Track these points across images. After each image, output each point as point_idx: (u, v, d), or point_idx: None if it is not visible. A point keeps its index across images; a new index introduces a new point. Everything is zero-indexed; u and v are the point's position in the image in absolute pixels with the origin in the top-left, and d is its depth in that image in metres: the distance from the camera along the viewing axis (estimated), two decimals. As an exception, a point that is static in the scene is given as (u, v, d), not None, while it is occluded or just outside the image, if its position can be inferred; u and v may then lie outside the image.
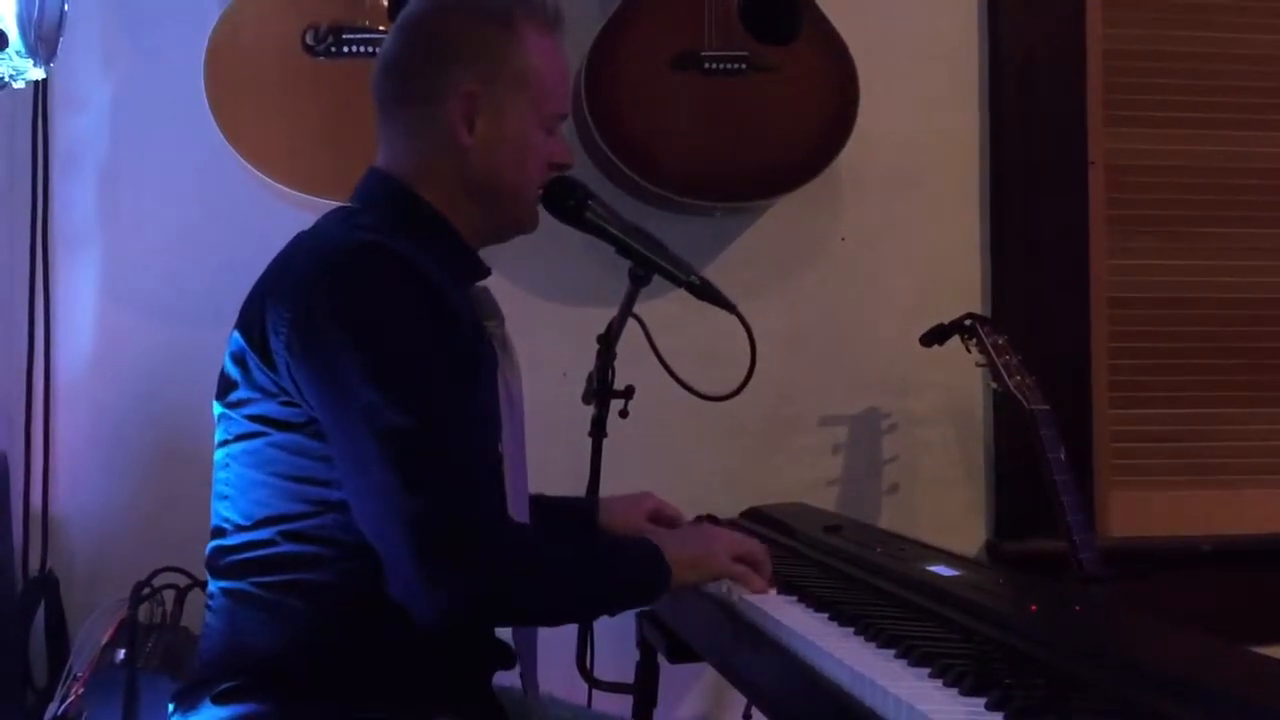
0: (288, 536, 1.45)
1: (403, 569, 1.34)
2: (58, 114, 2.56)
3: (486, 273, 1.64)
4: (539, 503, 1.71)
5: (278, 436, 1.45)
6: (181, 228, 2.58)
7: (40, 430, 2.54)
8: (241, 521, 1.48)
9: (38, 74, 2.15)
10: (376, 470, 1.35)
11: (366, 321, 1.41)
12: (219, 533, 1.52)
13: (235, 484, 1.49)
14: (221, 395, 1.51)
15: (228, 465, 1.51)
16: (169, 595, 2.34)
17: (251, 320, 1.46)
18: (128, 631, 2.23)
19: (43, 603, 2.47)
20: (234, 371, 1.49)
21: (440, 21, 1.57)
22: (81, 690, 2.22)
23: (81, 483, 2.56)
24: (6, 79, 2.10)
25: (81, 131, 2.58)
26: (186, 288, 2.56)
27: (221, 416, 1.52)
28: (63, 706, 2.24)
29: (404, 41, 1.58)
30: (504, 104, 1.54)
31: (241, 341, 1.47)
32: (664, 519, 1.87)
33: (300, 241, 1.54)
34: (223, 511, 1.51)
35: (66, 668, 2.31)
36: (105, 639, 2.26)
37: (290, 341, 1.41)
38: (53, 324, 2.55)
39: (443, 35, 1.56)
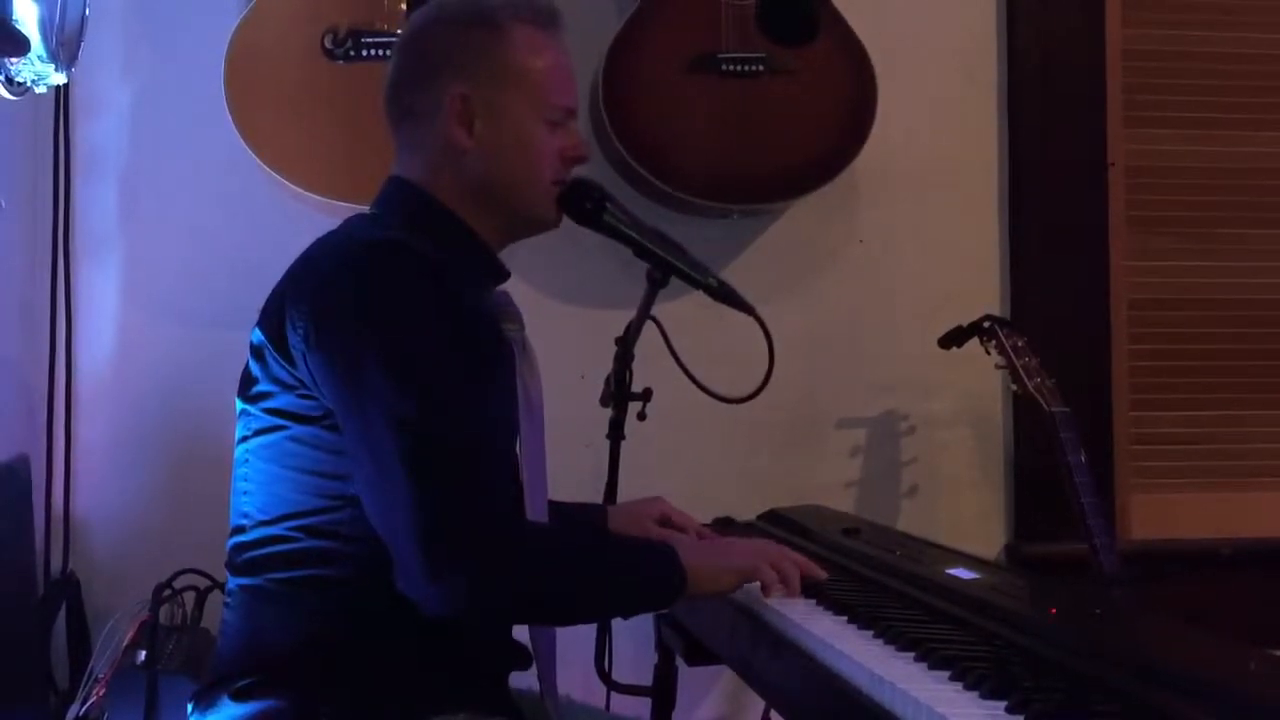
0: (305, 532, 1.46)
1: (409, 561, 1.35)
2: (79, 118, 2.58)
3: (506, 275, 1.65)
4: (550, 508, 1.71)
5: (295, 430, 1.47)
6: (201, 231, 2.60)
7: (62, 432, 2.55)
8: (260, 517, 1.50)
9: (59, 79, 2.17)
10: (387, 461, 1.37)
11: (384, 316, 1.42)
12: (238, 529, 1.53)
13: (254, 479, 1.51)
14: (243, 391, 1.53)
15: (247, 461, 1.52)
16: (190, 597, 2.35)
17: (271, 315, 1.48)
18: (149, 633, 2.24)
19: (64, 604, 2.49)
20: (254, 367, 1.51)
21: (429, 35, 1.60)
22: (103, 692, 2.23)
23: (103, 485, 2.57)
24: (29, 84, 2.12)
25: (102, 136, 2.60)
26: (206, 291, 2.58)
27: (242, 413, 1.54)
28: (84, 708, 2.25)
29: (399, 60, 1.61)
30: (499, 103, 1.56)
31: (261, 336, 1.49)
32: (673, 524, 1.87)
33: (322, 242, 1.56)
34: (242, 507, 1.53)
35: (88, 669, 2.32)
36: (126, 641, 2.27)
37: (308, 334, 1.43)
38: (74, 327, 2.57)
39: (432, 48, 1.58)
